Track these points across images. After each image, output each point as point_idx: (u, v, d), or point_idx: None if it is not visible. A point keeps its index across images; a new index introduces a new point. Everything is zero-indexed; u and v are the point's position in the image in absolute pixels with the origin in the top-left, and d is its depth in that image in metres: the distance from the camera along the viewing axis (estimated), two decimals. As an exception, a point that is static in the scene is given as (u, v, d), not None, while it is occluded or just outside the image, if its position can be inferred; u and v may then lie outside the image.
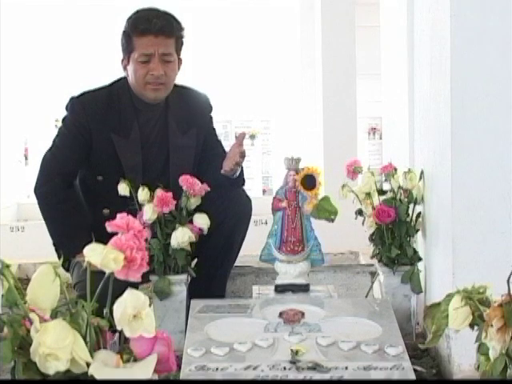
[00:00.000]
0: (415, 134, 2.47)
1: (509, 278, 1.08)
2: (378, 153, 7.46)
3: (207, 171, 2.45)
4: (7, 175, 5.56)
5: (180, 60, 2.44)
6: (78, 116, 2.41)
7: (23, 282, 1.05)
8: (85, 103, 2.42)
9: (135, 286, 1.08)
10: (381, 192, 2.36)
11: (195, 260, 2.41)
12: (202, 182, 2.29)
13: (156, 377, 1.07)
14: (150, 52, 2.33)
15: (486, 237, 1.88)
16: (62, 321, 1.03)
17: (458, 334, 1.46)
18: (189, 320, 1.95)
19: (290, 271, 2.23)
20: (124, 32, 2.39)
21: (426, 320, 1.20)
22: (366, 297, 2.51)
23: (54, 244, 2.41)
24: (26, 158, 6.60)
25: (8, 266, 1.03)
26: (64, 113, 2.48)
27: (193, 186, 2.26)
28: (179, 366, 1.63)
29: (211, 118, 2.63)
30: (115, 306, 1.03)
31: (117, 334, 1.09)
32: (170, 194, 2.23)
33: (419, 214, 2.31)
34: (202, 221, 2.28)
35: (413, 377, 1.60)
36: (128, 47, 2.37)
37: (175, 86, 2.47)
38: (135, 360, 1.07)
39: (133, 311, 1.03)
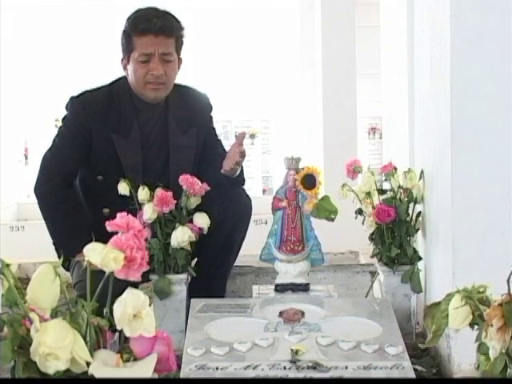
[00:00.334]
0: (415, 133, 2.47)
1: (509, 277, 1.08)
2: (377, 152, 7.46)
3: (207, 171, 2.45)
4: (7, 175, 5.56)
5: (180, 59, 2.44)
6: (78, 116, 2.41)
7: (23, 281, 1.05)
8: (85, 103, 2.43)
9: (135, 285, 1.08)
10: (381, 191, 2.36)
11: (195, 259, 2.41)
12: (201, 182, 2.29)
13: (156, 376, 1.07)
14: (150, 52, 2.33)
15: (486, 237, 1.88)
16: (62, 320, 1.03)
17: (457, 333, 1.46)
18: (189, 319, 1.95)
19: (290, 271, 2.23)
20: (124, 31, 2.39)
21: (426, 320, 1.20)
22: (366, 296, 2.51)
23: (54, 244, 2.41)
24: (26, 158, 6.61)
25: (8, 266, 1.03)
26: (64, 112, 2.48)
27: (193, 186, 2.26)
28: (179, 366, 1.63)
29: (211, 117, 2.63)
30: (115, 306, 1.03)
31: (117, 334, 1.09)
32: (169, 194, 2.23)
33: (419, 213, 2.31)
34: (201, 220, 2.28)
35: (413, 376, 1.60)
36: (128, 47, 2.37)
37: (175, 85, 2.47)
38: (135, 359, 1.07)
39: (133, 311, 1.03)
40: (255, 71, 8.06)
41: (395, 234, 2.30)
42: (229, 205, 2.44)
